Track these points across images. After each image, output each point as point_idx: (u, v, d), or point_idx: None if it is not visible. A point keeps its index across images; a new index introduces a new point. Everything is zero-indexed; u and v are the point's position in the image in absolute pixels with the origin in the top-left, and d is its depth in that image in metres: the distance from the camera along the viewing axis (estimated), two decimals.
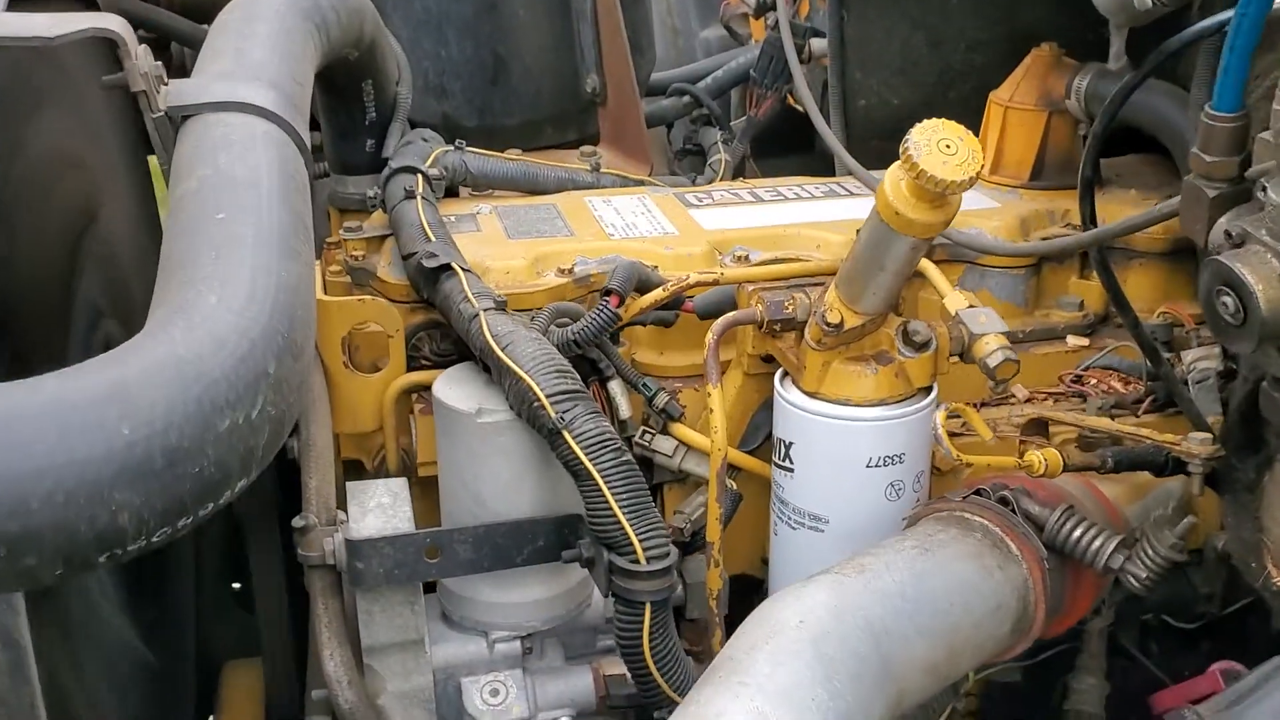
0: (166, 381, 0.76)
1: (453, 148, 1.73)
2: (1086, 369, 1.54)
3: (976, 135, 2.06)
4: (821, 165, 2.82)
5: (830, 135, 1.94)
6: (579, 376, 1.28)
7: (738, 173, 2.21)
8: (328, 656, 1.30)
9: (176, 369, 0.78)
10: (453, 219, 1.65)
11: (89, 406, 0.72)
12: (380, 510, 1.33)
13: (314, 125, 1.48)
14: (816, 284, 1.39)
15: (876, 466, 1.26)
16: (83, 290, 1.63)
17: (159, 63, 1.10)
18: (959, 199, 1.12)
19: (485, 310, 1.32)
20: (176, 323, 0.82)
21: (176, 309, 0.84)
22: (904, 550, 1.11)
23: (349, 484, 1.38)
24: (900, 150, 1.10)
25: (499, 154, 1.81)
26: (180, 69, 2.34)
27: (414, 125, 1.87)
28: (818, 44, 2.21)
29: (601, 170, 1.84)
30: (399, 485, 1.37)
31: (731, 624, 1.39)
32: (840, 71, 2.15)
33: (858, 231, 1.43)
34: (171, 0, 2.28)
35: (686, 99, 2.29)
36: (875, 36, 2.08)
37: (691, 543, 1.42)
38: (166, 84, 1.11)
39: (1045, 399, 1.57)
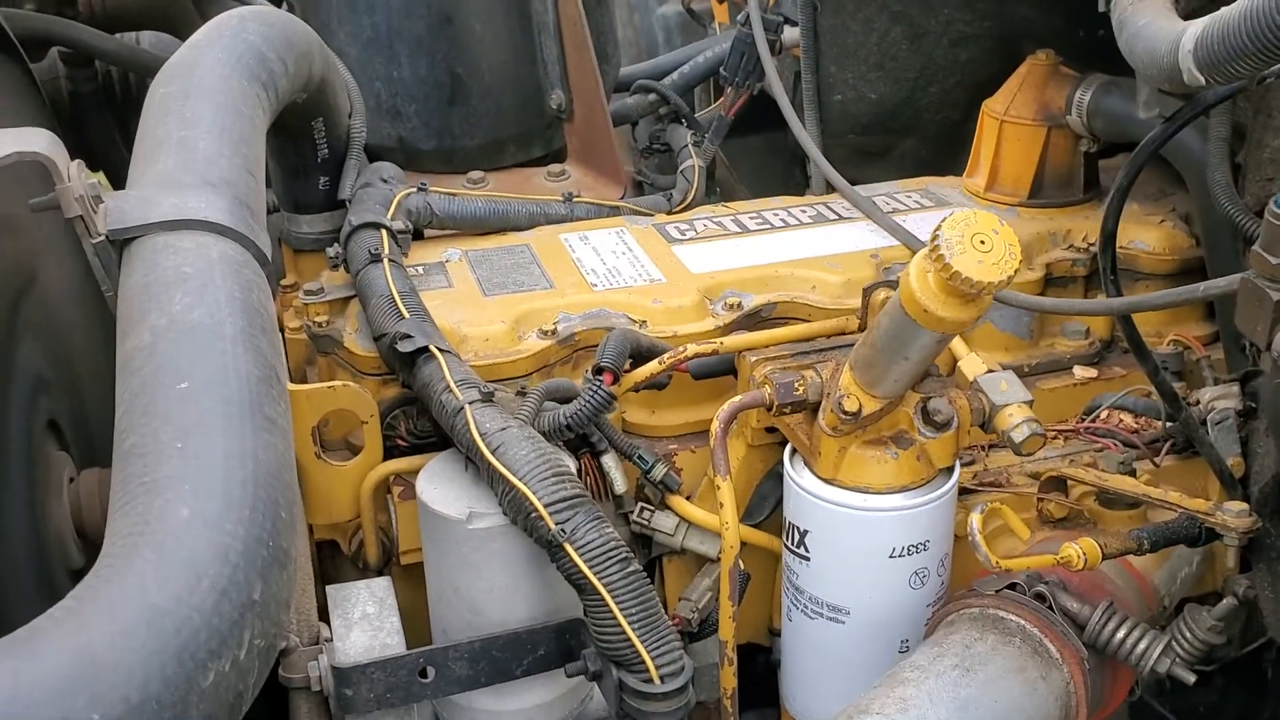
0: (140, 644, 0.65)
1: (415, 189, 1.59)
2: (1099, 411, 1.46)
3: (962, 135, 1.99)
4: (789, 153, 2.71)
5: (808, 140, 1.83)
6: (576, 477, 1.18)
7: (709, 172, 2.09)
8: None
9: (150, 624, 0.66)
10: (420, 270, 1.53)
11: (51, 699, 0.61)
12: (366, 622, 1.23)
13: None
14: (822, 350, 1.29)
15: (900, 556, 1.18)
16: (22, 359, 1.49)
17: (94, 180, 0.96)
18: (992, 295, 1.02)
19: (471, 404, 1.21)
20: (144, 552, 0.71)
21: (142, 528, 0.72)
22: (945, 674, 1.03)
23: (329, 589, 1.28)
24: (929, 245, 1.00)
25: (464, 191, 1.68)
26: (106, 84, 2.17)
27: (368, 150, 1.73)
28: (789, 34, 2.09)
29: (574, 199, 1.71)
30: (383, 589, 1.27)
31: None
32: (814, 65, 2.04)
33: (866, 289, 1.33)
34: (91, 8, 2.11)
35: (652, 97, 2.16)
36: (852, 29, 1.96)
37: (700, 632, 1.34)
38: (104, 201, 0.98)
39: (1055, 437, 1.49)
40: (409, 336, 1.28)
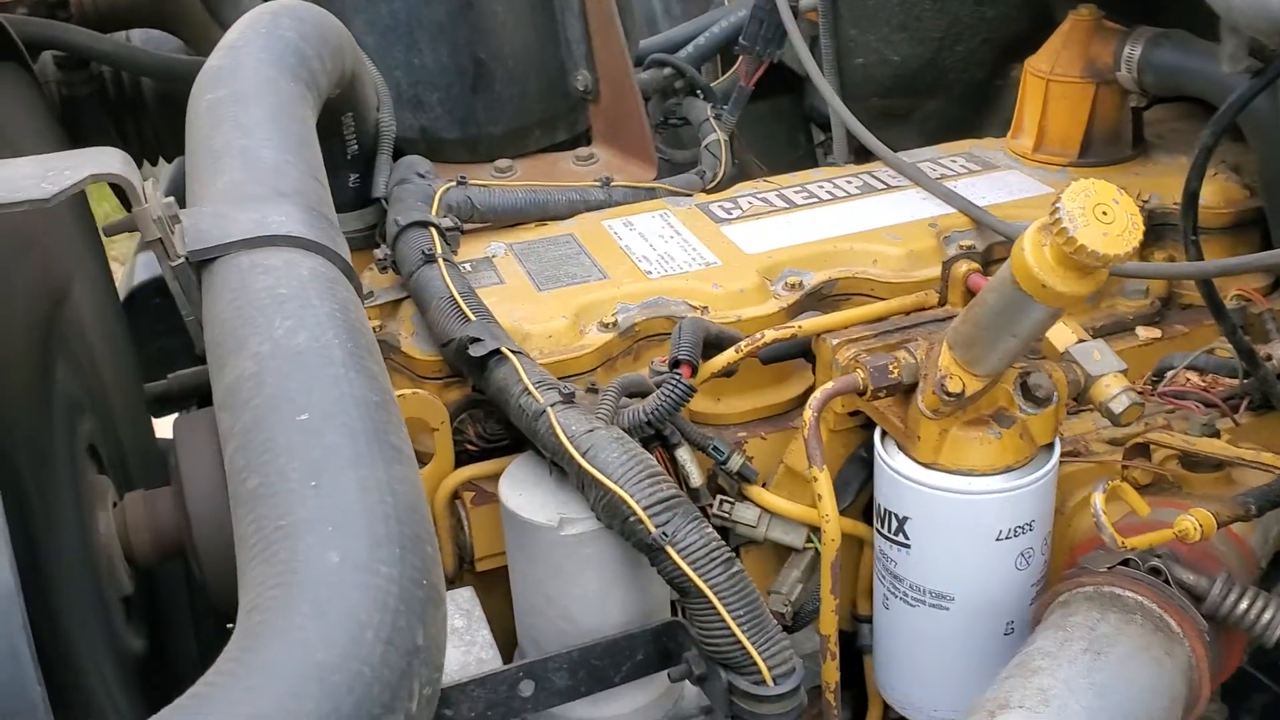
0: (315, 707, 0.60)
1: (455, 183, 1.53)
2: (1173, 373, 1.43)
3: (988, 94, 1.95)
4: (795, 117, 2.66)
5: (845, 110, 1.79)
6: (669, 475, 1.13)
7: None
8: None
9: (322, 684, 0.61)
10: (468, 267, 1.47)
11: None
12: (456, 637, 1.18)
13: None
14: (904, 329, 1.25)
15: (1007, 539, 1.15)
16: (60, 382, 1.43)
17: (170, 199, 0.90)
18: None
19: (553, 406, 1.16)
20: (300, 605, 0.65)
21: (289, 577, 0.67)
22: (1077, 660, 1.00)
23: None
24: (1049, 217, 0.95)
25: (498, 181, 1.62)
26: (101, 86, 2.08)
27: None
28: None
29: (611, 184, 1.66)
30: (468, 600, 1.22)
31: None
32: (833, 29, 1.99)
33: (947, 262, 1.29)
34: (82, 8, 2.02)
35: (667, 71, 2.10)
36: None
37: (794, 625, 1.30)
38: (180, 221, 0.92)
39: None
40: (479, 340, 1.23)
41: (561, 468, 1.16)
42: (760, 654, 1.07)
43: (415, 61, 1.71)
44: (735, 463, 1.31)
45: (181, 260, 0.90)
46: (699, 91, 2.11)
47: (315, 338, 0.83)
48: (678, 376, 1.22)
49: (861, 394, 1.17)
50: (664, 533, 1.07)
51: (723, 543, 1.09)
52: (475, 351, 1.22)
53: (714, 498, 1.32)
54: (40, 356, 1.34)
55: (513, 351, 1.22)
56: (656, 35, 2.23)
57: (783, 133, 2.71)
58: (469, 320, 1.26)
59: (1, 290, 1.22)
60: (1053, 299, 0.99)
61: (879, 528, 1.22)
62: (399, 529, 0.71)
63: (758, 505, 1.31)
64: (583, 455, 1.11)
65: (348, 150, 1.56)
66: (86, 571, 1.38)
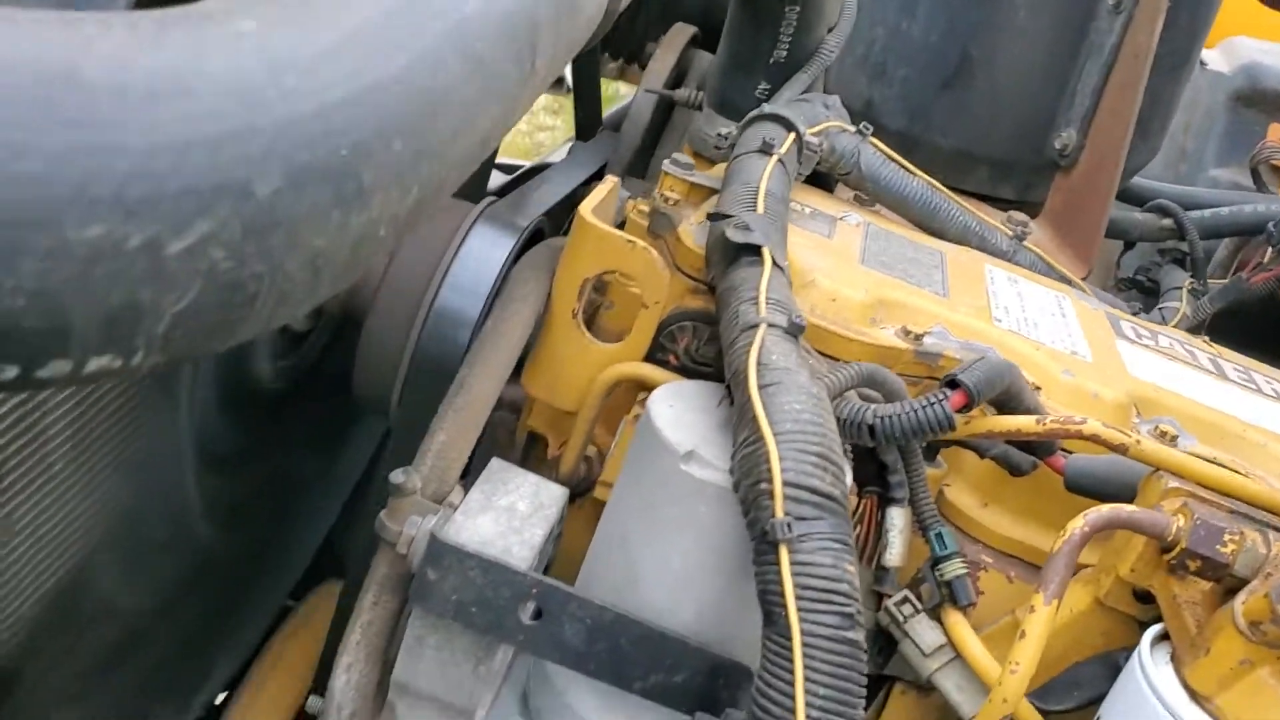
0: None
1: (855, 130, 1.26)
2: None
3: None
4: None
5: None
6: (846, 476, 0.78)
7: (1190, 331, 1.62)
8: (344, 668, 0.88)
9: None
10: (807, 211, 1.19)
11: None
12: (506, 515, 0.89)
13: None
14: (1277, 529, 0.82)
15: None
16: None
17: None
18: None
19: (771, 326, 0.85)
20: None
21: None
22: None
23: (494, 461, 0.96)
24: None
25: (905, 163, 1.32)
26: None
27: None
28: None
29: (1024, 243, 1.31)
30: (554, 498, 0.93)
31: None
32: None
33: None
34: None
35: (1167, 222, 1.71)
36: None
37: None
38: None
39: None
40: (748, 228, 0.94)
41: (734, 397, 0.84)
42: None
43: (903, 26, 1.45)
44: (953, 569, 0.92)
45: None
46: (1192, 263, 1.70)
47: None
48: (942, 396, 0.86)
49: (1166, 550, 0.76)
50: (789, 524, 0.73)
51: (857, 594, 0.73)
52: (735, 236, 0.93)
53: (900, 592, 0.94)
54: None
55: (775, 263, 0.92)
56: (1172, 185, 1.83)
57: None
58: (754, 210, 0.97)
59: None
60: None
61: None
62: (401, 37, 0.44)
63: (947, 636, 0.92)
64: (760, 386, 0.79)
65: (774, 52, 1.32)
66: None
